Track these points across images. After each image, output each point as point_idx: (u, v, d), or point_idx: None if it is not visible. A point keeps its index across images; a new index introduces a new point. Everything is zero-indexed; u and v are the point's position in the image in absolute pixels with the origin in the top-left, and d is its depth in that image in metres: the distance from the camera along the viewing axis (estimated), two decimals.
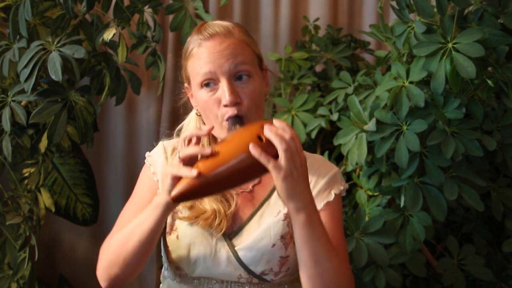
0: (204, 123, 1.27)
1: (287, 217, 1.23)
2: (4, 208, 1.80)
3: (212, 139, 1.28)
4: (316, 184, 1.26)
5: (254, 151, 1.01)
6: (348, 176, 1.86)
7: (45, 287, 2.21)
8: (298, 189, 1.05)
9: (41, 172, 1.85)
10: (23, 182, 1.84)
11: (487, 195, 1.74)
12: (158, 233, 1.14)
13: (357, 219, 1.63)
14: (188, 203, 1.24)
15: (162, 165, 1.29)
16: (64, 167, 2.14)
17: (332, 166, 1.32)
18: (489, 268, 1.73)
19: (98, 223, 2.24)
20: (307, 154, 1.28)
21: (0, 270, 1.84)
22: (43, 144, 1.76)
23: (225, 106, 1.17)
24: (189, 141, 1.13)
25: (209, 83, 1.18)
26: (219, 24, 1.22)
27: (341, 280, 1.13)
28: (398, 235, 1.64)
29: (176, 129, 1.35)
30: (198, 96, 1.21)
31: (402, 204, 1.63)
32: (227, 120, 1.17)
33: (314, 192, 1.25)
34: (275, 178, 1.04)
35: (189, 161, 1.07)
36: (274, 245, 1.21)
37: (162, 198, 1.11)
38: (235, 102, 1.16)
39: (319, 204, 1.24)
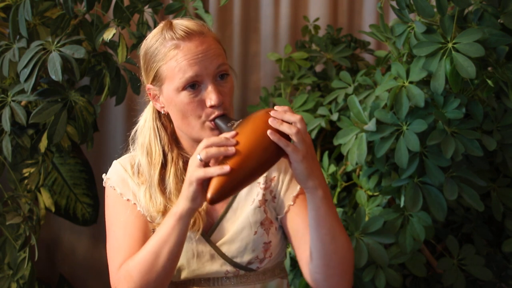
0: (169, 122, 1.26)
1: (261, 203, 1.26)
2: (4, 208, 1.80)
3: (175, 140, 1.26)
4: (281, 181, 1.28)
5: (273, 136, 1.04)
6: (348, 176, 1.86)
7: (45, 287, 2.21)
8: (314, 167, 1.08)
9: (41, 172, 1.85)
10: (23, 182, 1.84)
11: (487, 195, 1.73)
12: (184, 242, 1.14)
13: (357, 219, 1.63)
14: (162, 208, 1.22)
15: (124, 182, 1.25)
16: (64, 167, 2.14)
17: None
18: (489, 268, 1.73)
19: (98, 223, 2.24)
20: None
21: (0, 270, 1.84)
22: (43, 144, 1.76)
23: (211, 107, 1.16)
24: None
25: (194, 84, 1.16)
26: (187, 23, 1.19)
27: (351, 256, 1.18)
28: (398, 235, 1.64)
29: (131, 134, 1.30)
30: (176, 98, 1.17)
31: (402, 204, 1.63)
32: (213, 120, 1.16)
33: (282, 191, 1.27)
34: (293, 160, 1.06)
35: (209, 164, 1.07)
36: (256, 232, 1.23)
37: (184, 207, 1.09)
38: (222, 102, 1.16)
39: (289, 200, 1.26)
